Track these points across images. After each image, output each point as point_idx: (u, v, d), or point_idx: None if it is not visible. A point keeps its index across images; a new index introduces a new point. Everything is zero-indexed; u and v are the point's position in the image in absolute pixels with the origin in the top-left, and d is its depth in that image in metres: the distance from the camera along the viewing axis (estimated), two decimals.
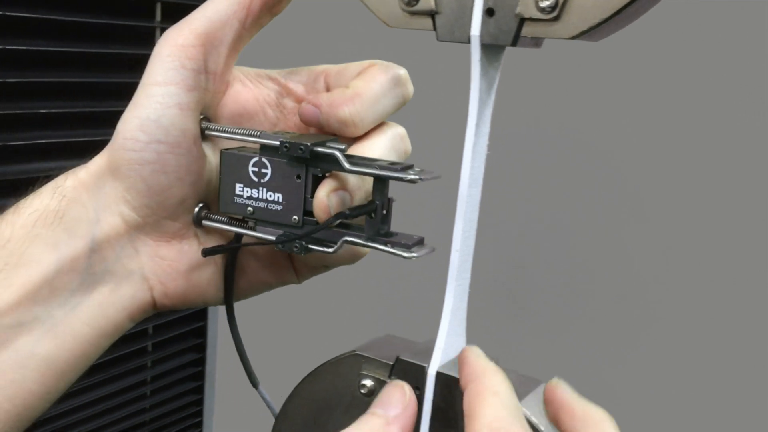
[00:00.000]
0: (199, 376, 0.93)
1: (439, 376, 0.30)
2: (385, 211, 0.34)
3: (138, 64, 0.80)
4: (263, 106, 0.38)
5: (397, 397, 0.30)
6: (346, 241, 0.34)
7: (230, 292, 0.39)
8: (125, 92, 0.79)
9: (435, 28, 0.31)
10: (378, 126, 0.37)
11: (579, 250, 0.98)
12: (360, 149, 0.36)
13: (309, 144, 0.33)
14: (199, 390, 0.93)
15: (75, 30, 0.74)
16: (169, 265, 0.36)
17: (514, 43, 0.29)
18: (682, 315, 0.94)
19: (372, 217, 0.33)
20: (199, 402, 0.93)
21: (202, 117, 0.36)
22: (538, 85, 0.95)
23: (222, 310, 0.91)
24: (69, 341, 0.34)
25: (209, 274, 0.38)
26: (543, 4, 0.27)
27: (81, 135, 0.75)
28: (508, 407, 0.26)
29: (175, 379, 0.91)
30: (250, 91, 0.38)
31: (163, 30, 0.80)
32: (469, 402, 0.27)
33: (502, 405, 0.26)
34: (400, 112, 0.39)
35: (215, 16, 0.35)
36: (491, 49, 0.30)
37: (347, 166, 0.33)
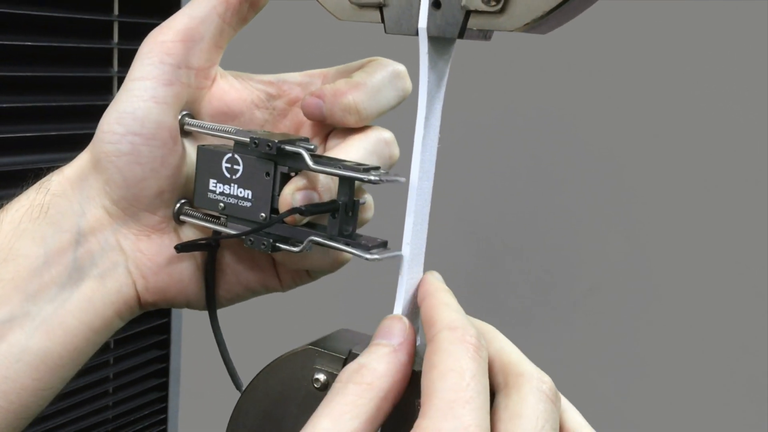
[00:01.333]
0: (164, 373, 0.92)
1: None
2: (350, 213, 0.34)
3: (95, 58, 0.80)
4: (250, 107, 0.39)
5: (398, 327, 0.30)
6: (312, 241, 0.34)
7: (211, 291, 0.39)
8: (82, 86, 0.78)
9: (383, 21, 0.31)
10: (362, 128, 0.38)
11: (555, 244, 0.99)
12: (338, 151, 0.36)
13: (276, 141, 0.34)
14: (164, 387, 0.92)
15: (31, 24, 0.73)
16: (149, 259, 0.37)
17: (461, 36, 0.29)
18: (660, 308, 0.96)
19: (334, 217, 0.34)
20: (164, 399, 0.93)
21: (184, 113, 0.37)
22: (516, 78, 0.95)
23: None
24: (61, 335, 0.35)
25: (190, 272, 0.38)
26: None
27: (35, 130, 0.74)
28: (459, 312, 0.29)
29: (139, 376, 0.90)
30: (237, 91, 0.39)
31: (120, 24, 0.79)
32: (426, 313, 0.30)
33: (454, 311, 0.29)
34: None
35: (194, 12, 0.36)
36: (439, 42, 0.30)
37: (311, 164, 0.33)
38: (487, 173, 0.99)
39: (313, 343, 0.33)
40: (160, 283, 0.38)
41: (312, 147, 0.34)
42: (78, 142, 0.77)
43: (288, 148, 0.34)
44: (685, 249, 0.93)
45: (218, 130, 0.36)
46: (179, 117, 0.36)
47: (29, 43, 0.72)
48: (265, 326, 1.02)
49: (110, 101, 0.78)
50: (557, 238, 0.99)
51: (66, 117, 0.77)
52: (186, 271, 0.38)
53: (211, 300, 0.39)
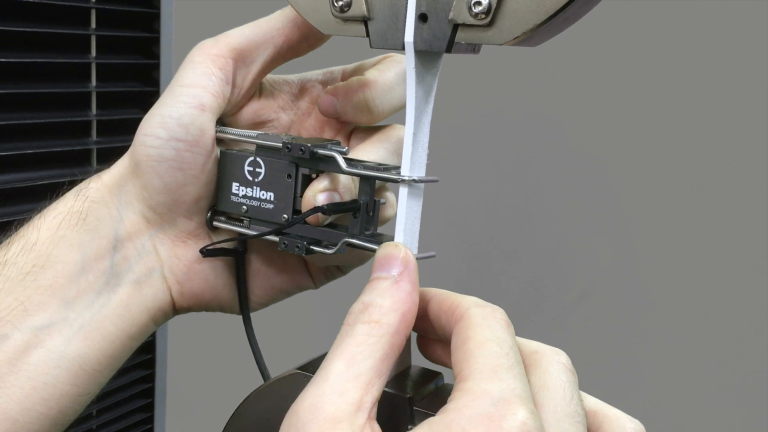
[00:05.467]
0: (149, 393, 0.90)
1: (383, 393, 0.30)
2: (371, 213, 0.34)
3: (73, 73, 0.78)
4: (277, 112, 0.40)
5: (395, 255, 0.29)
6: (347, 243, 0.34)
7: (244, 296, 0.39)
8: (61, 102, 0.77)
9: (368, 35, 0.30)
10: (382, 127, 0.38)
11: (546, 249, 0.99)
12: (359, 151, 0.37)
13: (310, 145, 0.34)
14: (149, 408, 0.90)
15: (5, 39, 0.71)
16: (185, 265, 0.38)
17: (448, 50, 0.29)
18: (652, 313, 0.95)
19: (355, 217, 0.34)
20: (149, 420, 0.91)
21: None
22: (505, 83, 0.95)
23: (171, 326, 0.89)
24: (99, 341, 0.35)
25: (224, 277, 0.39)
26: (476, 10, 0.27)
27: (11, 149, 0.72)
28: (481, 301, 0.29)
29: (123, 398, 0.88)
30: (265, 100, 0.39)
31: (98, 37, 0.78)
32: (442, 303, 0.29)
33: (475, 299, 0.29)
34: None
35: (252, 36, 0.36)
36: (426, 56, 0.30)
37: (345, 167, 0.33)
38: (477, 179, 0.99)
39: (300, 368, 0.33)
40: (195, 289, 0.38)
41: (344, 150, 0.35)
42: (55, 160, 0.76)
43: (321, 151, 0.34)
44: (676, 253, 0.93)
45: (244, 136, 0.37)
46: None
47: (5, 60, 0.71)
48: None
49: (89, 118, 0.76)
50: (548, 244, 0.99)
51: (40, 134, 0.75)
52: (220, 277, 0.39)
53: (244, 305, 0.39)
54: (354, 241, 0.34)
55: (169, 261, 0.37)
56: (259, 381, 0.35)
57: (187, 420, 0.97)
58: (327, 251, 0.35)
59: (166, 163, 0.35)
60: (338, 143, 0.36)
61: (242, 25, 0.37)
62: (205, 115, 0.35)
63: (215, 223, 0.38)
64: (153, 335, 0.89)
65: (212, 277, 0.38)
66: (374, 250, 0.33)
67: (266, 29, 0.36)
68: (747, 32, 0.86)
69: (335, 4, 0.31)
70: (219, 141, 0.37)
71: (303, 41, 0.37)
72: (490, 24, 0.27)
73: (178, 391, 0.93)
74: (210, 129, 0.36)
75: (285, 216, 0.36)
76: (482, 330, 0.27)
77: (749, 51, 0.86)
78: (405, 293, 0.28)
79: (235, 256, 0.39)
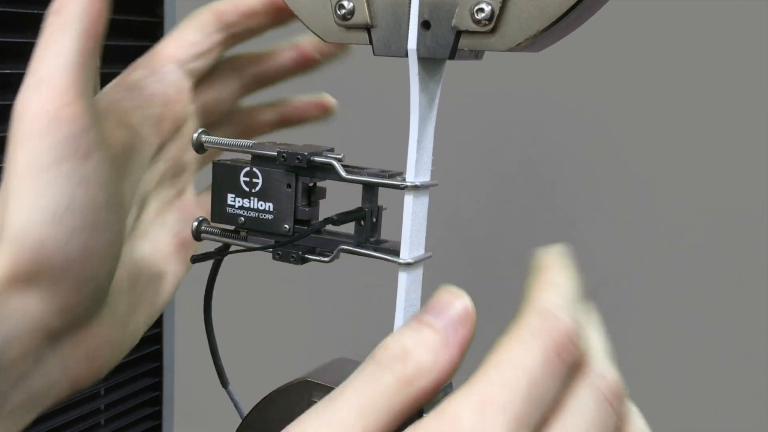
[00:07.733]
0: (157, 402, 0.90)
1: None
2: (375, 219, 0.34)
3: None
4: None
5: (458, 305, 0.25)
6: (342, 250, 0.34)
7: (208, 298, 0.40)
8: None
9: (371, 43, 0.30)
10: None
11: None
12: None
13: (306, 153, 0.34)
14: (157, 416, 0.91)
15: (6, 51, 0.72)
16: (93, 351, 0.35)
17: (452, 57, 0.29)
18: (661, 311, 0.95)
19: (361, 224, 0.34)
20: (158, 428, 0.91)
21: (201, 131, 0.36)
22: (507, 81, 0.95)
23: (178, 333, 0.89)
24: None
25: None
26: (479, 17, 0.27)
27: None
28: (565, 297, 0.26)
29: (131, 406, 0.88)
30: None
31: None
32: (528, 292, 0.26)
33: (558, 294, 0.26)
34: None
35: (60, 60, 0.33)
36: (430, 63, 0.30)
37: (344, 174, 0.33)
38: (481, 183, 0.99)
39: (309, 375, 0.33)
40: (103, 355, 0.36)
41: (341, 156, 0.34)
42: None
43: (318, 159, 0.34)
44: (685, 255, 0.93)
45: (236, 145, 0.36)
46: (196, 135, 0.36)
47: (6, 71, 0.71)
48: (255, 343, 1.00)
49: None
50: (554, 244, 0.98)
51: None
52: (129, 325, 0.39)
53: (207, 308, 0.40)
54: (350, 248, 0.34)
55: (76, 365, 0.34)
56: (267, 389, 0.35)
57: (195, 428, 0.97)
58: (323, 259, 0.35)
59: (75, 263, 0.31)
60: (332, 149, 0.35)
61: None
62: (89, 186, 0.32)
63: (202, 235, 0.38)
64: (160, 343, 0.89)
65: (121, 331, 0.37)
66: (372, 256, 0.33)
67: (68, 47, 0.33)
68: (747, 32, 0.86)
69: (338, 11, 0.31)
70: (204, 149, 0.37)
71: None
72: (493, 30, 0.27)
73: (186, 399, 0.93)
74: (101, 198, 0.32)
75: (286, 226, 0.35)
76: (513, 347, 0.23)
77: (750, 51, 0.86)
78: (451, 361, 0.24)
79: (217, 259, 0.39)
